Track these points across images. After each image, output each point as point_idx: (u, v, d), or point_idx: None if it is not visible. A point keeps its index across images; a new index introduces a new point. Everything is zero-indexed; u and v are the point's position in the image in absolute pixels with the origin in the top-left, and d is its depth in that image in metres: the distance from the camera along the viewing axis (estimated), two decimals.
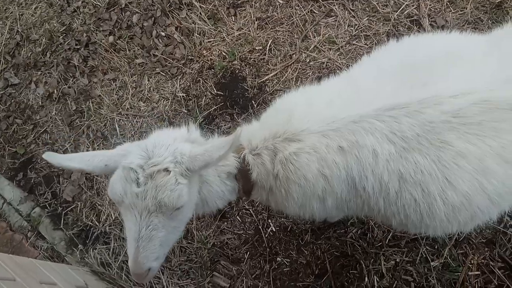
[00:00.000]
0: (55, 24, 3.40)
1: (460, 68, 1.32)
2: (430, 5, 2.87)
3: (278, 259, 2.34)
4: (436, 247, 2.18)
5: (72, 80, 3.16)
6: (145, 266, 1.24)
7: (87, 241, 2.61)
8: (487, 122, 1.21)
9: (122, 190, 1.23)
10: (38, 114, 3.13)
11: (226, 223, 2.49)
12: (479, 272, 2.09)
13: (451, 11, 2.85)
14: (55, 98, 3.13)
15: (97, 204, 2.70)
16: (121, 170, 1.25)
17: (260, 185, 1.49)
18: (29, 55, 3.33)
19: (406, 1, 2.91)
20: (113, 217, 2.63)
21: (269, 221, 2.44)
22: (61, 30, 3.36)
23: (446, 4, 2.86)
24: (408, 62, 1.41)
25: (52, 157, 1.28)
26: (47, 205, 2.80)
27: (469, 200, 1.25)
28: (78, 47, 3.25)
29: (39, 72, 3.27)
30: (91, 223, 2.66)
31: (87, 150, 2.88)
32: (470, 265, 2.11)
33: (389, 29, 2.87)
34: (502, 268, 2.08)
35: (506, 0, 2.76)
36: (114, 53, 3.15)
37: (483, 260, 2.12)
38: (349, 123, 1.30)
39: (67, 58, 3.24)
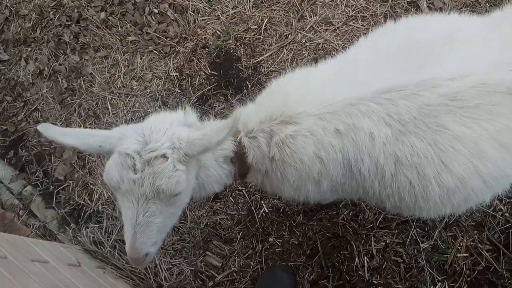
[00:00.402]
0: None
1: (458, 50, 1.31)
2: None
3: (270, 239, 2.36)
4: (426, 229, 2.21)
5: (63, 57, 3.09)
6: (142, 252, 1.24)
7: (80, 220, 2.61)
8: (484, 106, 1.21)
9: (119, 176, 1.20)
10: (28, 91, 3.07)
11: (219, 203, 2.50)
12: (467, 254, 2.13)
13: None
14: (46, 75, 3.07)
15: (89, 183, 2.68)
16: (117, 156, 1.23)
17: (256, 168, 1.48)
18: (18, 30, 3.24)
19: None
20: (106, 197, 2.62)
21: (262, 202, 2.45)
22: (51, 5, 3.26)
23: None
24: (406, 44, 1.40)
25: (47, 129, 1.24)
26: (39, 184, 2.78)
27: (463, 183, 1.26)
28: (69, 23, 3.17)
29: (29, 49, 3.19)
30: (83, 202, 2.65)
31: (78, 127, 2.84)
32: (459, 247, 2.15)
33: (386, 10, 2.83)
34: (490, 250, 2.12)
35: None
36: (106, 30, 3.08)
37: (472, 243, 2.16)
38: (346, 106, 1.28)
39: (58, 34, 3.16)
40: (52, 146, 2.86)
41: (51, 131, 1.24)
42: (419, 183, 1.28)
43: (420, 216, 1.45)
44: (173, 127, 1.29)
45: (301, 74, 1.50)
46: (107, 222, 2.53)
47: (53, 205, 2.69)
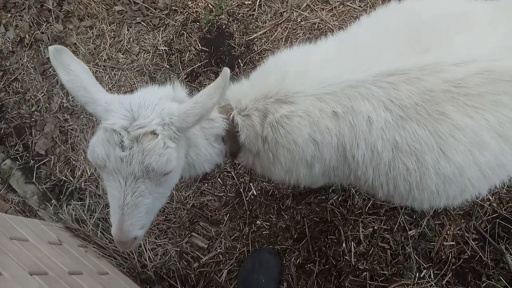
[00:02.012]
0: None
1: (464, 35, 1.25)
2: None
3: (257, 222, 2.33)
4: (414, 217, 2.20)
5: (45, 25, 2.93)
6: (130, 235, 1.16)
7: (61, 197, 2.53)
8: (487, 95, 1.16)
9: (105, 154, 1.12)
10: (8, 60, 2.91)
11: (206, 184, 2.44)
12: (454, 243, 2.13)
13: None
14: (27, 44, 2.91)
15: (71, 159, 2.59)
16: (102, 132, 1.14)
17: (247, 148, 1.42)
18: None
19: None
20: (89, 173, 2.53)
21: (251, 184, 2.40)
22: None
23: None
24: (410, 25, 1.33)
25: (60, 53, 1.15)
26: (19, 158, 2.67)
27: (461, 171, 1.23)
28: None
29: (9, 14, 3.01)
30: (65, 178, 2.56)
31: (61, 102, 2.73)
32: (446, 236, 2.15)
33: None
34: (476, 239, 2.14)
35: None
36: None
37: (458, 231, 2.16)
38: (346, 88, 1.22)
39: (41, 0, 2.98)
40: (32, 119, 2.73)
41: (64, 56, 1.15)
42: (417, 170, 1.24)
43: (412, 206, 1.42)
44: (162, 102, 1.20)
45: (300, 52, 1.43)
46: (89, 200, 2.45)
47: (34, 180, 2.60)
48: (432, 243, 2.14)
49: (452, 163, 1.23)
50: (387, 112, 1.20)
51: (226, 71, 1.10)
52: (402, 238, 2.18)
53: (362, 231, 2.22)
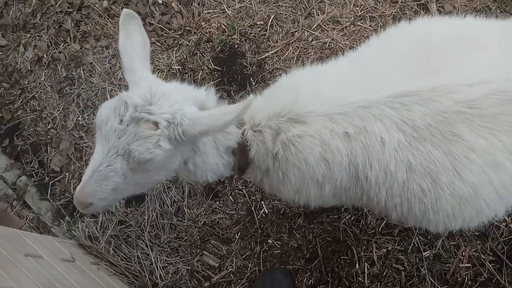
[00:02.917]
0: None
1: (475, 55, 1.26)
2: None
3: (269, 241, 2.31)
4: (429, 237, 2.17)
5: (63, 45, 3.02)
6: (88, 199, 1.20)
7: (75, 213, 2.55)
8: (501, 115, 1.16)
9: (106, 117, 1.16)
10: (26, 78, 2.99)
11: (218, 202, 2.44)
12: (470, 265, 2.09)
13: None
14: (45, 63, 2.99)
15: None
16: (117, 99, 1.18)
17: (256, 164, 1.42)
18: (18, 15, 3.16)
19: None
20: None
21: (262, 202, 2.40)
22: None
23: None
24: (420, 46, 1.34)
25: (131, 18, 1.25)
26: (34, 174, 2.72)
27: (476, 191, 1.21)
28: (71, 10, 3.08)
29: (28, 35, 3.11)
30: None
31: (77, 120, 2.78)
32: (461, 257, 2.11)
33: (395, 12, 2.77)
34: (493, 261, 2.09)
35: None
36: (108, 18, 3.00)
37: (474, 253, 2.12)
38: (358, 108, 1.23)
39: (59, 21, 3.08)
40: (48, 136, 2.79)
41: (131, 23, 1.25)
42: (432, 191, 1.23)
43: (427, 228, 1.40)
44: (184, 102, 1.20)
45: (312, 71, 1.45)
46: (102, 217, 2.47)
47: (48, 196, 2.63)
48: (447, 265, 2.09)
49: (467, 184, 1.21)
50: (400, 133, 1.20)
51: (250, 98, 1.11)
52: (417, 260, 2.14)
53: (376, 252, 2.18)
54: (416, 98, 1.20)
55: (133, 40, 1.26)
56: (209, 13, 2.93)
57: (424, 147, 1.19)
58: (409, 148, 1.21)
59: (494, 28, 1.42)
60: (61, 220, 2.54)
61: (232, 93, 2.70)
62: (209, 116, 1.15)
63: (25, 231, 2.16)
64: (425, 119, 1.19)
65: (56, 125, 2.82)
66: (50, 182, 2.66)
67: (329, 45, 2.74)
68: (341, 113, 1.25)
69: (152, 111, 1.15)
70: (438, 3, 2.77)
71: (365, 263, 2.15)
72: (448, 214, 1.27)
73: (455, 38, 1.36)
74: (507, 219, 2.17)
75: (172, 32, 2.91)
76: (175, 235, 2.38)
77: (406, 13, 2.77)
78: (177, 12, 2.96)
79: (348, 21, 2.78)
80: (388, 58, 1.37)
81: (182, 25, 2.92)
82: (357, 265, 2.15)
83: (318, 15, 2.83)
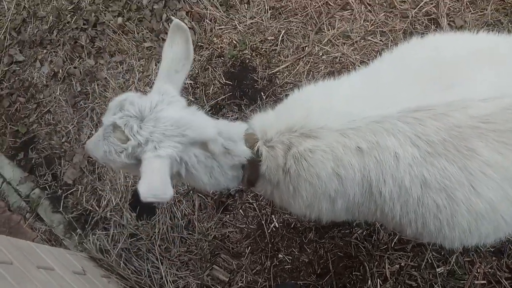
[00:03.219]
0: (63, 2, 3.31)
1: (489, 71, 1.25)
2: (449, 4, 2.78)
3: (279, 255, 2.29)
4: (442, 253, 2.13)
5: (78, 61, 3.09)
6: (87, 153, 1.44)
7: (86, 226, 2.57)
8: None
9: (112, 105, 1.28)
10: (42, 93, 3.06)
11: (228, 216, 2.44)
12: (485, 282, 2.04)
13: (470, 11, 2.76)
14: (60, 78, 3.06)
15: (98, 189, 2.65)
16: (135, 95, 1.28)
17: (267, 179, 1.43)
18: (35, 32, 3.25)
19: None
20: (114, 203, 2.58)
21: (273, 216, 2.39)
22: (69, 8, 3.27)
23: (466, 4, 2.77)
24: (433, 61, 1.35)
25: (177, 30, 1.34)
26: (47, 187, 2.75)
27: (493, 207, 1.19)
28: (86, 27, 3.17)
29: (45, 51, 3.19)
30: (91, 208, 2.61)
31: (90, 133, 2.82)
32: (476, 274, 2.07)
33: (406, 27, 2.78)
34: (509, 278, 2.04)
35: None
36: (122, 35, 3.07)
37: (490, 270, 2.07)
38: (370, 123, 1.23)
39: (74, 37, 3.16)
40: (62, 150, 2.83)
41: (178, 34, 1.33)
42: (448, 207, 1.22)
43: (443, 244, 1.38)
44: (169, 138, 1.21)
45: (324, 87, 1.46)
46: (114, 230, 2.49)
47: (61, 209, 2.66)
48: (462, 282, 2.05)
49: (483, 199, 1.20)
50: (414, 148, 1.20)
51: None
52: (430, 276, 2.10)
53: (388, 268, 2.15)
54: (430, 113, 1.20)
55: (173, 50, 1.33)
56: (221, 29, 2.98)
57: (439, 163, 1.19)
58: (424, 164, 1.20)
59: (508, 43, 1.42)
60: (72, 233, 2.56)
61: (242, 107, 2.72)
62: (153, 172, 1.15)
63: (37, 243, 2.18)
64: (440, 134, 1.18)
65: (70, 138, 2.87)
66: (63, 195, 2.69)
67: (339, 60, 2.76)
68: (354, 128, 1.25)
69: (134, 131, 1.20)
70: (449, 18, 2.77)
71: (378, 279, 2.12)
72: (464, 230, 1.25)
73: (468, 54, 1.36)
74: None
75: None
76: (185, 248, 2.38)
77: (416, 28, 2.78)
78: (190, 28, 3.01)
79: (358, 36, 2.80)
80: (400, 74, 1.37)
81: (194, 40, 2.97)
82: (369, 281, 2.12)
83: (329, 30, 2.85)
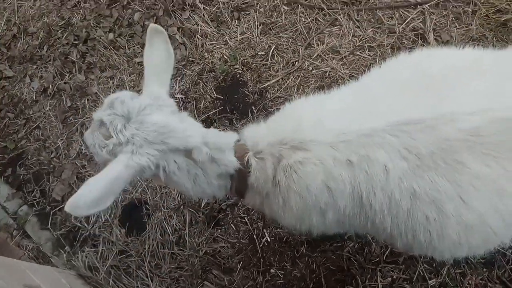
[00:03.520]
0: (54, 18, 3.32)
1: (475, 84, 1.28)
2: (435, 19, 2.85)
3: (271, 270, 2.27)
4: (434, 265, 2.13)
5: (68, 76, 3.08)
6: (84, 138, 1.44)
7: (75, 243, 2.53)
8: (504, 143, 1.17)
9: (107, 101, 1.30)
10: (31, 109, 3.04)
11: (219, 230, 2.42)
12: None
13: (456, 27, 2.83)
14: (50, 94, 3.05)
15: None
16: (127, 94, 1.30)
17: (255, 190, 1.43)
18: (25, 48, 3.25)
19: (411, 14, 2.89)
20: (103, 219, 2.54)
21: (264, 231, 2.37)
22: (60, 24, 3.28)
23: (452, 19, 2.85)
24: (422, 75, 1.37)
25: (154, 34, 1.38)
26: (35, 204, 2.71)
27: (482, 219, 1.21)
28: (77, 42, 3.17)
29: (35, 66, 3.18)
30: (79, 224, 2.57)
31: (80, 149, 2.80)
32: (468, 286, 2.07)
33: (393, 42, 2.84)
34: None
35: (511, 19, 2.76)
36: (113, 50, 3.08)
37: (481, 281, 2.07)
38: (360, 136, 1.24)
39: (65, 53, 3.16)
40: (51, 165, 2.80)
41: (156, 37, 1.38)
42: (437, 220, 1.22)
43: (433, 256, 1.38)
44: (150, 145, 1.23)
45: (315, 100, 1.47)
46: (103, 247, 2.45)
47: (49, 226, 2.61)
48: None
49: (473, 212, 1.21)
50: (404, 161, 1.21)
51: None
52: None
53: (381, 281, 2.14)
54: (418, 126, 1.22)
55: (154, 53, 1.35)
56: (212, 44, 3.01)
57: (428, 175, 1.20)
58: (413, 177, 1.21)
59: (494, 57, 1.46)
60: (61, 250, 2.51)
61: (234, 121, 2.73)
62: (115, 178, 1.18)
63: (24, 262, 2.13)
64: (429, 147, 1.19)
65: (59, 154, 2.84)
66: (51, 212, 2.65)
67: (329, 74, 2.80)
68: (344, 141, 1.26)
69: (117, 130, 1.22)
70: (436, 33, 2.84)
71: None
72: (454, 242, 1.26)
73: (455, 68, 1.39)
74: None
75: (176, 63, 2.98)
76: (176, 265, 2.34)
77: (404, 43, 2.84)
78: (181, 43, 3.04)
79: (347, 51, 2.85)
80: (389, 88, 1.39)
81: (185, 56, 2.99)
82: None
83: (318, 45, 2.90)
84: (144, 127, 1.23)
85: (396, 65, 1.49)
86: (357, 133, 1.25)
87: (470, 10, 2.82)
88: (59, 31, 3.25)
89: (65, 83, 3.06)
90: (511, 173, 1.17)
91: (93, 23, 3.21)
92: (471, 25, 2.79)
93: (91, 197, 1.12)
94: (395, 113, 1.25)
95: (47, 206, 2.68)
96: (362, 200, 1.29)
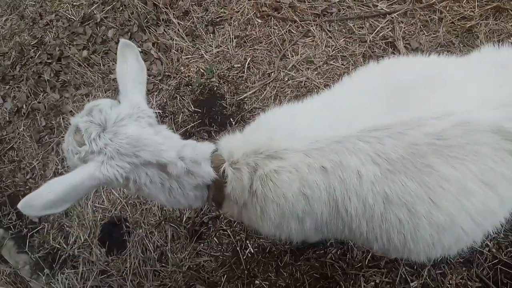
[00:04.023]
0: (26, 37, 3.28)
1: (441, 91, 1.33)
2: (404, 28, 2.95)
3: (256, 282, 2.27)
4: (415, 267, 2.17)
5: (42, 95, 3.04)
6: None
7: (54, 265, 2.46)
8: (467, 145, 1.22)
9: (87, 107, 1.31)
10: (4, 130, 2.97)
11: (202, 244, 2.40)
12: None
13: (424, 34, 2.93)
14: (24, 114, 2.99)
15: (65, 226, 2.56)
16: (106, 101, 1.32)
17: (232, 200, 1.43)
18: None
19: (381, 23, 2.98)
20: (82, 239, 2.49)
21: (247, 242, 2.37)
22: (32, 43, 3.24)
23: (420, 27, 2.95)
24: (390, 84, 1.42)
25: (125, 48, 1.43)
26: (11, 227, 2.64)
27: (452, 219, 1.25)
28: (50, 61, 3.14)
29: (7, 86, 3.12)
30: (58, 246, 2.51)
31: (56, 168, 2.75)
32: (448, 285, 2.11)
33: (365, 50, 2.91)
34: (480, 287, 2.09)
35: (475, 25, 2.88)
36: (87, 67, 3.06)
37: (461, 280, 2.12)
38: (332, 143, 1.27)
39: (38, 72, 3.12)
40: (27, 187, 2.74)
41: (127, 51, 1.41)
42: (410, 222, 1.26)
43: (410, 258, 1.42)
44: (122, 156, 1.23)
45: (288, 110, 1.50)
46: (83, 267, 2.39)
47: (26, 249, 2.54)
48: None
49: (443, 213, 1.25)
50: (375, 166, 1.24)
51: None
52: None
53: (364, 286, 2.16)
54: (388, 132, 1.25)
55: (128, 66, 1.37)
56: (188, 58, 3.02)
57: (399, 179, 1.23)
58: (385, 181, 1.25)
59: (457, 64, 1.52)
60: (39, 273, 2.44)
61: (212, 133, 2.74)
62: (76, 184, 1.18)
63: (1, 287, 2.06)
64: (398, 152, 1.23)
65: (35, 175, 2.78)
66: (29, 234, 2.59)
67: (304, 84, 2.85)
68: (317, 148, 1.29)
69: (92, 138, 1.23)
70: (405, 41, 2.93)
71: None
72: (428, 244, 1.29)
73: (421, 75, 1.44)
74: (489, 244, 2.20)
75: (152, 78, 2.98)
76: (159, 282, 2.31)
77: (375, 51, 2.92)
78: (156, 59, 3.04)
79: (321, 61, 2.91)
80: (359, 96, 1.44)
81: (161, 70, 2.99)
82: None
83: (293, 56, 2.95)
84: (118, 139, 1.23)
85: (365, 74, 1.53)
86: (329, 140, 1.28)
87: (436, 17, 2.93)
88: (32, 50, 3.21)
89: (39, 102, 3.01)
90: (476, 173, 1.21)
91: (66, 41, 3.18)
92: (438, 32, 2.90)
93: (47, 199, 1.12)
94: (365, 120, 1.28)
95: (24, 229, 2.61)
96: (338, 206, 1.31)
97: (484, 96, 1.29)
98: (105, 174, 1.21)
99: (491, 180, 1.23)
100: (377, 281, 2.16)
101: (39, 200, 1.12)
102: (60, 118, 2.91)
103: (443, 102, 1.28)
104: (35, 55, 3.18)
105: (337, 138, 1.27)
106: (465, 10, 2.94)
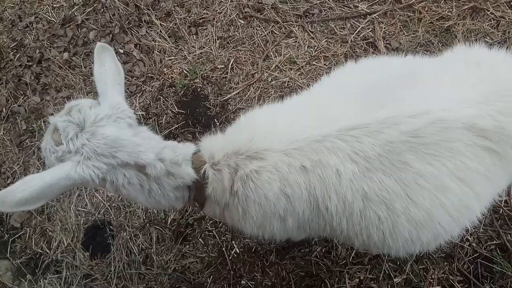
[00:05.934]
0: (5, 40, 3.22)
1: (416, 89, 1.36)
2: (384, 28, 3.00)
3: (242, 282, 2.27)
4: (398, 263, 2.21)
5: (22, 98, 2.99)
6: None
7: (37, 271, 2.42)
8: (443, 142, 1.25)
9: (67, 106, 1.33)
10: None
11: (188, 246, 2.40)
12: (440, 287, 2.13)
13: (404, 34, 2.98)
14: (4, 117, 2.94)
15: (48, 230, 2.52)
16: (84, 101, 1.33)
17: (213, 201, 1.44)
18: None
19: (361, 24, 3.02)
20: (65, 244, 2.46)
21: (233, 242, 2.38)
22: (11, 46, 3.18)
23: (400, 27, 3.00)
24: (367, 83, 1.45)
25: (102, 51, 1.42)
26: None
27: (430, 215, 1.27)
28: (30, 63, 3.09)
29: None
30: (41, 251, 2.47)
31: (37, 172, 2.70)
32: (431, 280, 2.15)
33: (346, 51, 2.95)
34: (461, 281, 2.14)
35: (453, 24, 2.94)
36: (68, 70, 3.02)
37: (443, 275, 2.17)
38: (311, 142, 1.29)
39: (18, 75, 3.06)
40: None
41: (104, 54, 1.42)
42: (388, 218, 1.28)
43: (390, 254, 1.45)
44: (99, 157, 1.23)
45: (268, 110, 1.51)
46: (66, 272, 2.36)
47: (8, 255, 2.50)
48: None
49: (421, 209, 1.28)
50: (354, 164, 1.26)
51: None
52: (389, 286, 2.16)
53: (349, 283, 2.19)
54: (365, 131, 1.28)
55: (106, 68, 1.38)
56: (171, 59, 3.01)
57: (377, 177, 1.26)
58: (363, 178, 1.27)
59: (432, 64, 1.56)
60: (22, 279, 2.40)
61: (197, 135, 2.73)
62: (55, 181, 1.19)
63: None
64: (375, 150, 1.26)
65: (15, 179, 2.72)
66: (10, 240, 2.54)
67: (288, 84, 2.87)
68: (297, 148, 1.30)
69: (70, 135, 1.23)
70: (385, 41, 2.98)
71: None
72: (407, 240, 1.32)
73: (397, 75, 1.47)
74: (469, 238, 2.25)
75: (135, 80, 2.96)
76: (144, 285, 2.30)
77: (356, 51, 2.96)
78: (139, 60, 3.02)
79: (304, 61, 2.93)
80: (338, 96, 1.46)
81: (144, 72, 2.98)
82: None
83: (276, 57, 2.97)
84: (95, 139, 1.23)
85: (344, 74, 1.56)
86: (309, 140, 1.30)
87: (416, 18, 2.98)
88: (11, 53, 3.15)
89: (19, 105, 2.96)
90: (451, 170, 1.25)
91: (46, 43, 3.14)
92: (418, 32, 2.95)
93: (21, 196, 1.12)
94: (343, 119, 1.31)
95: (5, 234, 2.56)
96: (319, 205, 1.33)
97: (457, 95, 1.33)
98: (81, 174, 1.20)
99: (466, 176, 1.27)
100: (361, 277, 2.19)
101: (13, 196, 1.11)
102: (41, 122, 2.86)
103: (418, 101, 1.31)
104: (15, 58, 3.12)
105: (317, 137, 1.29)
106: (443, 10, 3.01)
